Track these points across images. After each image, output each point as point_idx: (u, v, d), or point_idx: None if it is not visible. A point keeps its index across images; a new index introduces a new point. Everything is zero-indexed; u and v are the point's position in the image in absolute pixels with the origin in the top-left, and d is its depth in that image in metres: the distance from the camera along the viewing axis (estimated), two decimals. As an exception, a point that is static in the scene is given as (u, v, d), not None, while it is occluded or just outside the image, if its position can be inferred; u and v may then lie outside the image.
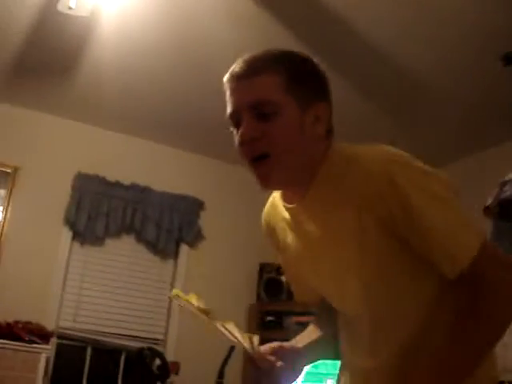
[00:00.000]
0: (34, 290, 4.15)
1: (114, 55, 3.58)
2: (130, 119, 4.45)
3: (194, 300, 1.36)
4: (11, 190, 4.30)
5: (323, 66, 1.33)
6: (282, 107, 1.23)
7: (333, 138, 1.31)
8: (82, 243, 4.43)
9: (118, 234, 4.51)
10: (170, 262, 4.67)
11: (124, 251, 4.55)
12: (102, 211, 4.43)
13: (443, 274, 1.19)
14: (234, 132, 1.28)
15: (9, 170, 4.32)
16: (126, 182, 4.55)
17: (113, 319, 4.40)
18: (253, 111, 1.24)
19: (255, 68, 1.25)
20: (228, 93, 1.28)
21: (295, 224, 1.35)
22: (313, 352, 1.48)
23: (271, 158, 1.24)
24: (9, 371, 3.63)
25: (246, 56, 1.28)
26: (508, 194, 2.64)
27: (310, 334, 1.52)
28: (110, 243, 4.51)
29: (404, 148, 1.25)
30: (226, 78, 1.28)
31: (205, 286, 4.60)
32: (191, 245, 4.69)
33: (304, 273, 1.40)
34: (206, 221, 4.74)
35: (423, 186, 1.19)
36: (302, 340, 1.48)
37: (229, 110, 1.27)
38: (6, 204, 4.27)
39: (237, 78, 1.26)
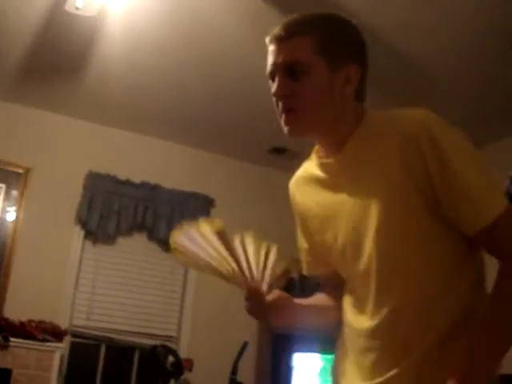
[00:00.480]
0: (47, 288, 4.19)
1: (122, 53, 3.59)
2: (139, 117, 4.46)
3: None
4: (23, 191, 4.33)
5: None
6: (311, 67, 1.33)
7: (364, 102, 1.41)
8: (94, 242, 4.46)
9: (129, 232, 4.54)
10: (181, 257, 4.67)
11: (136, 249, 4.57)
12: (114, 210, 4.46)
13: (463, 233, 1.26)
14: (272, 86, 1.39)
15: (21, 171, 4.36)
16: (137, 180, 4.57)
17: (126, 317, 4.43)
18: (285, 71, 1.34)
19: (290, 31, 1.36)
20: (268, 53, 1.39)
21: (330, 178, 1.41)
22: (308, 312, 1.54)
23: (298, 113, 1.34)
24: (23, 370, 3.66)
25: (287, 18, 1.40)
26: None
27: (315, 299, 1.58)
28: (122, 241, 4.53)
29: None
30: (267, 39, 1.40)
31: (217, 285, 4.62)
32: (202, 243, 4.68)
33: (329, 229, 1.43)
34: (216, 218, 4.74)
35: (459, 145, 1.28)
36: (304, 300, 1.55)
37: (267, 69, 1.39)
38: (18, 204, 4.30)
39: (274, 40, 1.37)
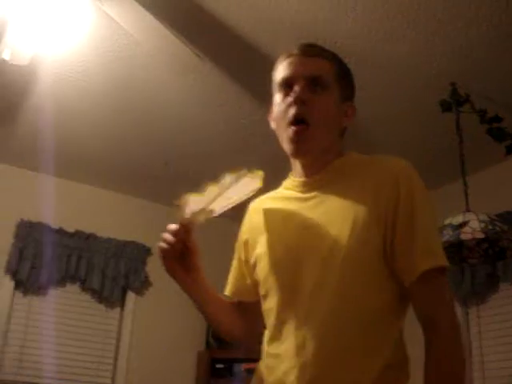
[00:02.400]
0: (-27, 343, 4.01)
1: (54, 102, 3.54)
2: (72, 165, 4.38)
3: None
4: (-49, 240, 4.17)
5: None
6: (330, 87, 1.45)
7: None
8: (25, 293, 4.30)
9: (62, 282, 4.40)
10: (117, 310, 4.56)
11: (69, 300, 4.43)
12: (46, 259, 4.32)
13: (400, 282, 1.31)
14: (279, 98, 1.47)
15: None
16: (71, 229, 4.46)
17: (58, 371, 4.26)
18: (308, 81, 1.43)
19: (317, 51, 1.50)
20: (284, 64, 1.49)
21: (302, 195, 1.45)
22: (205, 290, 1.54)
23: (310, 127, 1.41)
24: None
25: (305, 41, 1.54)
26: (447, 237, 2.67)
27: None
28: (54, 292, 4.39)
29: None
30: (284, 54, 1.51)
31: (153, 334, 4.53)
32: (138, 292, 4.60)
33: (272, 244, 1.45)
34: (153, 267, 4.66)
35: (427, 201, 1.37)
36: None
37: (283, 75, 1.47)
38: None
39: (298, 54, 1.47)
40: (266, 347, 1.42)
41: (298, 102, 1.41)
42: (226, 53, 3.05)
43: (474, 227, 2.67)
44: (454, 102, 3.10)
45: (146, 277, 4.61)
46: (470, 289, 3.75)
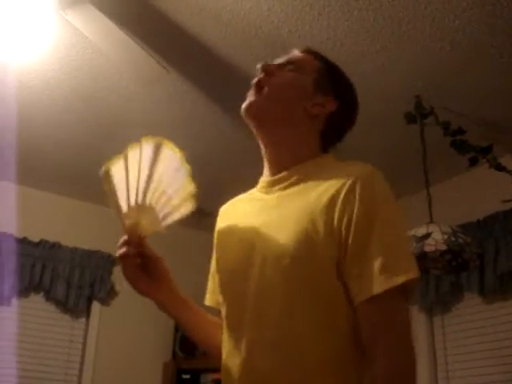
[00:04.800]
0: None
1: (17, 109, 3.48)
2: (35, 173, 4.31)
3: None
4: None
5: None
6: (303, 71, 1.40)
7: (330, 150, 1.45)
8: (-13, 304, 4.23)
9: (26, 293, 4.32)
10: (82, 320, 4.50)
11: (32, 311, 4.36)
12: (9, 269, 4.25)
13: (351, 299, 1.17)
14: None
15: None
16: (35, 238, 4.39)
17: (22, 383, 4.18)
18: (282, 63, 1.43)
19: (303, 47, 1.49)
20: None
21: (268, 195, 1.38)
22: (186, 306, 1.45)
23: (265, 91, 1.37)
24: None
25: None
26: (411, 249, 2.70)
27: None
28: (18, 303, 4.31)
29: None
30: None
31: (119, 344, 4.49)
32: (104, 302, 4.54)
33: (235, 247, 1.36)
34: (118, 276, 4.61)
35: (391, 206, 1.24)
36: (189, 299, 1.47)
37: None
38: None
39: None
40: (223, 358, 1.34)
41: (263, 69, 1.40)
42: (192, 63, 3.04)
43: (437, 239, 2.70)
44: (419, 114, 3.14)
45: (112, 286, 4.56)
46: (434, 298, 3.79)
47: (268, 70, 1.40)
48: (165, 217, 1.34)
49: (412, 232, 2.78)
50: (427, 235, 2.73)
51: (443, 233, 2.74)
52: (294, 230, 1.22)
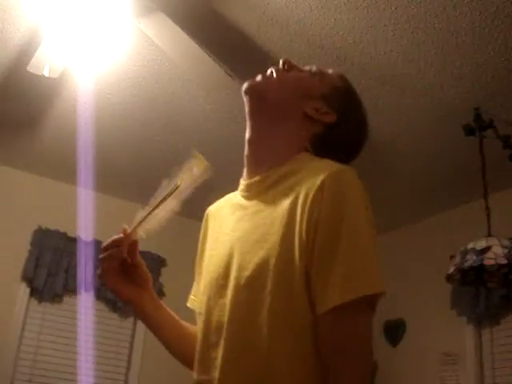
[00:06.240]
0: (-13, 349, 4.03)
1: (81, 113, 3.58)
2: (95, 176, 4.41)
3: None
4: (-32, 245, 4.20)
5: None
6: (319, 77, 1.39)
7: (314, 154, 1.34)
8: (40, 300, 4.32)
9: (77, 290, 4.41)
10: (130, 320, 4.59)
11: (83, 308, 4.45)
12: (62, 267, 4.35)
13: (314, 307, 1.09)
14: None
15: (-34, 225, 4.23)
16: (88, 238, 4.48)
17: (70, 379, 4.28)
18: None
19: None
20: None
21: (246, 201, 1.32)
22: (161, 312, 1.42)
23: (273, 77, 1.37)
24: None
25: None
26: (470, 262, 2.71)
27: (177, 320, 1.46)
28: (69, 300, 4.41)
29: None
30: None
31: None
32: (152, 302, 4.61)
33: (215, 252, 1.33)
34: (167, 278, 4.69)
35: (358, 209, 1.14)
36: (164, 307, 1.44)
37: None
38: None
39: None
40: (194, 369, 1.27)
41: (283, 62, 1.40)
42: (256, 71, 3.08)
43: (497, 253, 2.71)
44: (477, 126, 3.14)
45: (160, 288, 4.62)
46: (484, 310, 3.78)
47: (286, 65, 1.40)
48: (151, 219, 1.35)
49: (471, 245, 2.79)
50: (487, 249, 2.73)
51: (503, 247, 2.74)
52: (267, 247, 1.15)
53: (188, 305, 1.48)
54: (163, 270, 4.71)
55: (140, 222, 1.34)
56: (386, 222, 4.52)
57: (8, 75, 3.31)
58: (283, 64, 1.40)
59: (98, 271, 1.35)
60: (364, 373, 1.07)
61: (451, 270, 2.85)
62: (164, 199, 1.31)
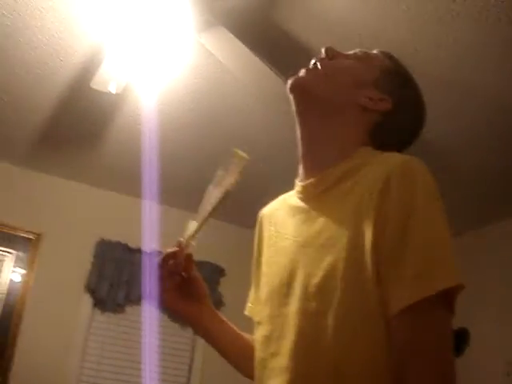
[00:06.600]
0: (53, 358, 4.13)
1: (142, 127, 3.64)
2: (160, 187, 4.46)
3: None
4: (33, 257, 4.30)
5: None
6: (366, 62, 1.30)
7: (375, 146, 1.25)
8: (103, 311, 4.41)
9: (139, 301, 4.48)
10: (190, 329, 4.61)
11: (145, 318, 4.51)
12: (124, 278, 4.42)
13: (386, 310, 1.01)
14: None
15: (32, 237, 4.34)
16: (149, 249, 4.54)
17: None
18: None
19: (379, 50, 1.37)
20: None
21: (305, 204, 1.24)
22: (220, 326, 1.37)
23: (319, 70, 1.27)
24: None
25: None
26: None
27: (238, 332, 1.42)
28: (131, 310, 4.48)
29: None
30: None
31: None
32: (212, 312, 4.63)
33: (276, 262, 1.26)
34: (226, 288, 4.71)
35: (431, 201, 1.05)
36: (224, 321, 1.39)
37: None
38: (28, 270, 4.26)
39: None
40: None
41: (326, 51, 1.30)
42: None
43: None
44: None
45: (220, 297, 4.65)
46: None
47: (329, 53, 1.30)
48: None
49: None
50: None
51: None
52: (335, 251, 1.08)
53: (246, 313, 1.41)
54: (222, 280, 4.73)
55: (194, 234, 1.28)
56: (461, 222, 4.41)
57: (71, 91, 3.40)
58: (326, 52, 1.30)
59: (159, 292, 1.28)
60: (445, 373, 0.97)
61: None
62: (216, 208, 1.26)
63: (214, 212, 1.25)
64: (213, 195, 1.27)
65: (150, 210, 4.62)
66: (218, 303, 4.64)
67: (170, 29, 2.56)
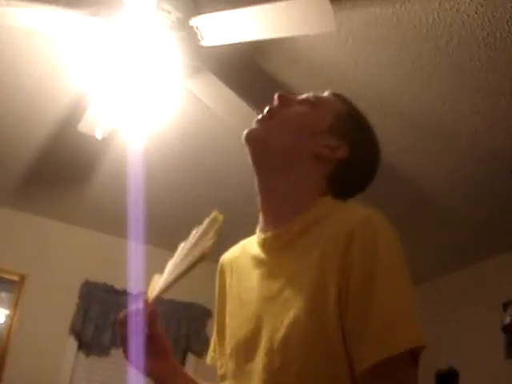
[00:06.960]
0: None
1: (128, 168, 3.64)
2: (144, 228, 4.45)
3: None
4: (17, 298, 4.25)
5: None
6: (319, 107, 1.26)
7: (332, 196, 1.23)
8: (88, 353, 4.34)
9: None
10: (177, 372, 4.55)
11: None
12: (109, 320, 4.36)
13: (352, 368, 1.01)
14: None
15: (16, 278, 4.29)
16: (134, 290, 4.50)
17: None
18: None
19: (330, 92, 1.34)
20: None
21: (266, 257, 1.22)
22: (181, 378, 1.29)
23: (273, 120, 1.23)
24: None
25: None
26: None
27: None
28: (116, 353, 4.40)
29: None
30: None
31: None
32: (198, 354, 4.58)
33: (239, 315, 1.23)
34: (213, 329, 4.65)
35: (394, 257, 1.06)
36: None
37: None
38: (12, 312, 4.20)
39: None
40: None
41: (278, 98, 1.27)
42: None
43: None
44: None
45: (207, 339, 4.59)
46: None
47: (283, 100, 1.26)
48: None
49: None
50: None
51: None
52: (298, 306, 1.07)
53: (208, 362, 1.37)
54: (209, 321, 4.68)
55: (163, 290, 1.20)
56: (435, 267, 4.45)
57: (58, 134, 3.40)
58: (279, 100, 1.27)
59: (123, 348, 1.21)
60: None
61: (507, 320, 2.77)
62: (190, 268, 1.15)
63: (186, 273, 1.17)
64: (187, 255, 1.20)
65: (136, 251, 4.58)
66: (205, 344, 4.58)
67: (158, 74, 2.57)
